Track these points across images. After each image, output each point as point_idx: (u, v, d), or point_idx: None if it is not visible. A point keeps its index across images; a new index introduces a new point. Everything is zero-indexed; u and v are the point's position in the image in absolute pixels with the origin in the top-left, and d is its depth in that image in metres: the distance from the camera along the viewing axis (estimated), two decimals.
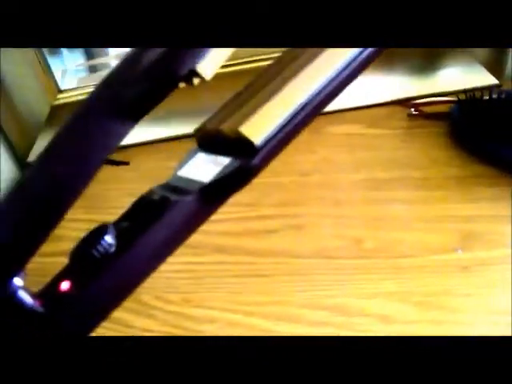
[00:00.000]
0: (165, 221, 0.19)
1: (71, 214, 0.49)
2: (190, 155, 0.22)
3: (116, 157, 0.54)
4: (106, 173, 0.53)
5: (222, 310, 0.32)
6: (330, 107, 0.56)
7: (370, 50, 0.21)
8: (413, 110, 0.49)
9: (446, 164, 0.42)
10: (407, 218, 0.37)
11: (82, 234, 0.45)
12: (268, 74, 0.20)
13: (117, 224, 0.20)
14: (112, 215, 0.48)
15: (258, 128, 0.19)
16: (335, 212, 0.39)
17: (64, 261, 0.40)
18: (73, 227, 0.44)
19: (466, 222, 0.36)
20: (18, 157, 0.57)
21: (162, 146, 0.55)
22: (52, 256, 0.41)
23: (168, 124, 0.55)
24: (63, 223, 0.48)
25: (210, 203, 0.19)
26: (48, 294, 0.19)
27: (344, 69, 0.20)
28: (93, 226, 0.46)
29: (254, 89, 0.20)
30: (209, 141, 0.21)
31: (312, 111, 0.20)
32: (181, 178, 0.21)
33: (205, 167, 0.20)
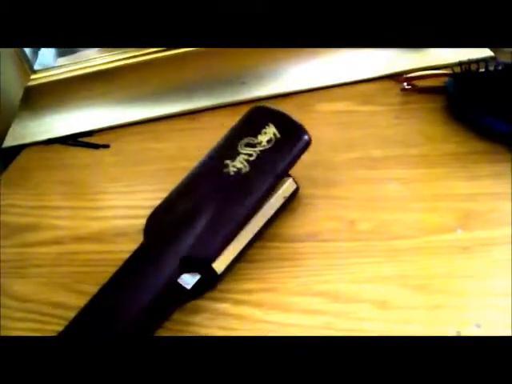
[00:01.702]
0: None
1: (51, 201, 0.47)
2: None
3: (95, 140, 0.52)
4: (85, 157, 0.51)
5: (210, 298, 0.31)
6: (317, 83, 0.54)
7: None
8: (406, 84, 0.48)
9: (443, 140, 0.40)
10: (404, 197, 0.35)
11: (63, 222, 0.43)
12: None
13: None
14: (93, 201, 0.46)
15: (222, 263, 0.30)
16: (327, 193, 0.37)
17: (45, 250, 0.39)
18: (53, 215, 0.43)
19: (465, 201, 0.34)
20: None
21: (141, 128, 0.53)
22: (33, 246, 0.39)
23: (148, 105, 0.53)
24: (43, 212, 0.46)
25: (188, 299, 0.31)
26: None
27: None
28: (74, 213, 0.44)
29: None
30: None
31: (251, 243, 0.33)
32: None
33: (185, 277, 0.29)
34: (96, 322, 0.26)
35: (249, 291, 0.31)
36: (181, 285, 0.28)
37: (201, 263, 0.29)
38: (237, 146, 0.32)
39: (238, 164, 0.30)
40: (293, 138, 0.32)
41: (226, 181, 0.30)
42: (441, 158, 0.38)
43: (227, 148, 0.32)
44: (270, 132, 0.31)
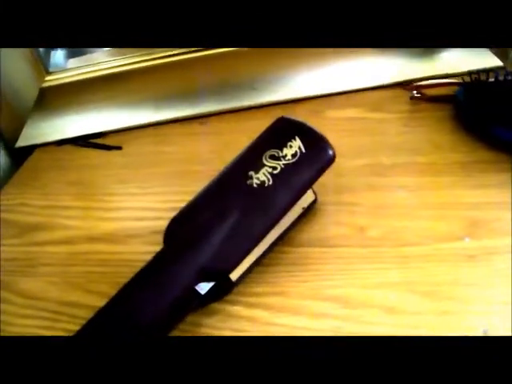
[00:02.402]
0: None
1: (61, 201, 0.48)
2: None
3: (106, 141, 0.52)
4: (96, 158, 0.52)
5: (222, 301, 0.31)
6: (327, 90, 0.54)
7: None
8: (415, 92, 0.48)
9: (452, 149, 0.40)
10: (412, 205, 0.36)
11: (74, 222, 0.43)
12: None
13: None
14: (104, 202, 0.47)
15: (238, 272, 0.31)
16: (337, 199, 0.37)
17: (56, 250, 0.39)
18: (64, 215, 0.43)
19: (473, 209, 0.34)
20: (6, 142, 0.55)
21: (152, 131, 0.53)
22: (43, 245, 0.40)
23: (159, 108, 0.54)
24: (54, 211, 0.46)
25: (203, 304, 0.31)
26: None
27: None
28: (84, 213, 0.45)
29: None
30: None
31: (265, 254, 0.33)
32: None
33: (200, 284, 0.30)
34: (113, 324, 0.27)
35: (260, 294, 0.31)
36: (195, 290, 0.29)
37: (218, 275, 0.29)
38: (261, 157, 0.31)
39: (262, 176, 0.30)
40: (318, 154, 0.32)
41: (248, 193, 0.30)
42: (448, 167, 0.39)
43: (251, 158, 0.32)
44: (295, 145, 0.31)
